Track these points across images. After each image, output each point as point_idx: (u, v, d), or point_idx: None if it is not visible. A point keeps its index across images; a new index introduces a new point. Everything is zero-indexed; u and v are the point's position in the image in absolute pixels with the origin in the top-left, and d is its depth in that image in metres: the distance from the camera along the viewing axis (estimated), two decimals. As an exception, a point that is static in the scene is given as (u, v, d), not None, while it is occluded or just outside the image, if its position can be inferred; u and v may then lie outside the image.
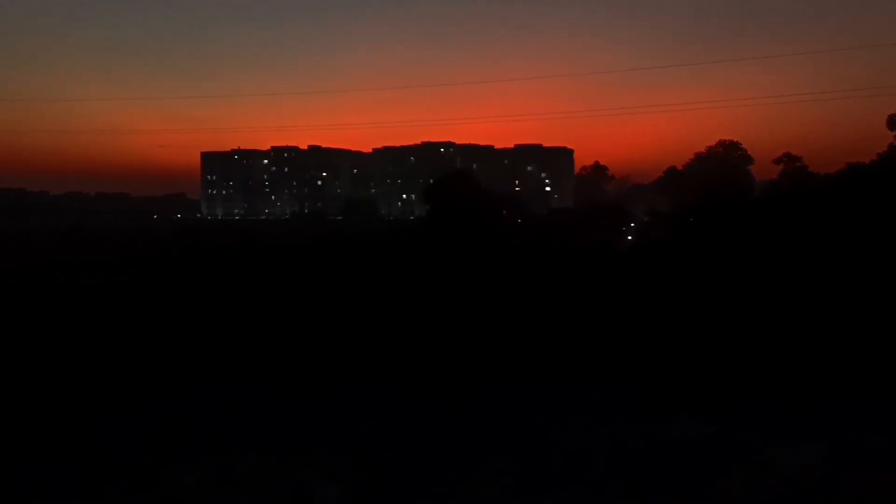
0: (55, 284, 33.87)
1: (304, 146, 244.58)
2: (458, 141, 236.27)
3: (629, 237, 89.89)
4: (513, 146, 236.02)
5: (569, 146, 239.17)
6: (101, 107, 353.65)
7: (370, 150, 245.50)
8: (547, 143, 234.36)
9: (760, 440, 11.09)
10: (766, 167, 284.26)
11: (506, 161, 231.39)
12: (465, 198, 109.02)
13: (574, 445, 10.79)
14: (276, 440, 10.98)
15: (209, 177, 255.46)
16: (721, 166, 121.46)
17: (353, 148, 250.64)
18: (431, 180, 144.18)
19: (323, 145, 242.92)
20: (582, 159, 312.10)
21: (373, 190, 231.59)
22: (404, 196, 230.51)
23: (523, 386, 14.23)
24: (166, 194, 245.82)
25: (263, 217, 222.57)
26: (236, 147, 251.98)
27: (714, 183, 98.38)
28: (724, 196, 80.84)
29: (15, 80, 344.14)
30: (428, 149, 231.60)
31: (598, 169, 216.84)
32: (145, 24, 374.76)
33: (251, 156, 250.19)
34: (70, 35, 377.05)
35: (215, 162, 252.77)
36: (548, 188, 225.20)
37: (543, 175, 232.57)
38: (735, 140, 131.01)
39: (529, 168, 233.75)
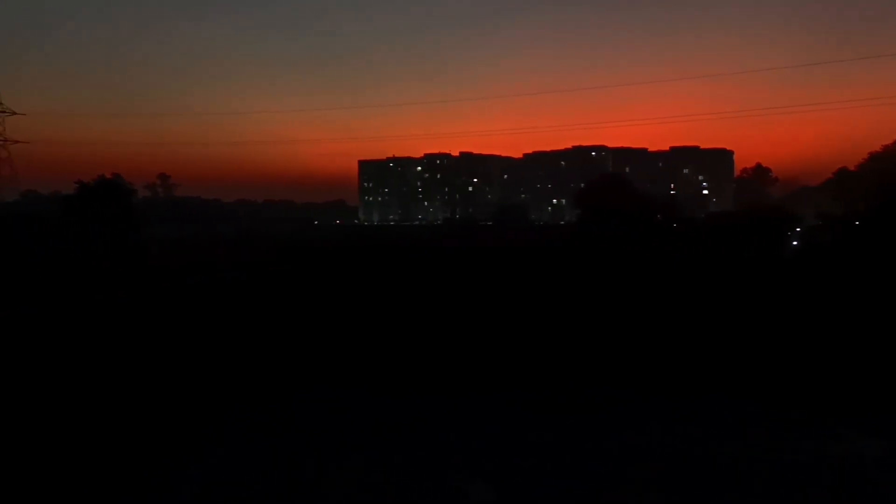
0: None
1: (455, 153, 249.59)
2: (610, 144, 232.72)
3: (794, 242, 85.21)
4: (668, 148, 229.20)
5: (728, 147, 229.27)
6: (267, 119, 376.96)
7: (520, 156, 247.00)
8: (704, 145, 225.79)
9: None
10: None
11: (660, 164, 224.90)
12: (618, 201, 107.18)
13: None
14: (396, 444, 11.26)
15: (366, 184, 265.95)
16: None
17: (504, 153, 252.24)
18: (582, 184, 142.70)
19: (474, 151, 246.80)
20: (742, 161, 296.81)
21: (523, 195, 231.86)
22: (554, 201, 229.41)
23: (645, 397, 13.91)
24: (327, 201, 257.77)
25: (416, 222, 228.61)
26: (391, 155, 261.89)
27: (892, 183, 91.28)
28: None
29: (192, 96, 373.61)
30: (579, 153, 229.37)
31: (759, 170, 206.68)
32: (307, 40, 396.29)
33: (405, 163, 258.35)
34: (239, 53, 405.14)
35: (371, 169, 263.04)
36: (705, 191, 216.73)
37: (700, 178, 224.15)
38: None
39: (685, 171, 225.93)
